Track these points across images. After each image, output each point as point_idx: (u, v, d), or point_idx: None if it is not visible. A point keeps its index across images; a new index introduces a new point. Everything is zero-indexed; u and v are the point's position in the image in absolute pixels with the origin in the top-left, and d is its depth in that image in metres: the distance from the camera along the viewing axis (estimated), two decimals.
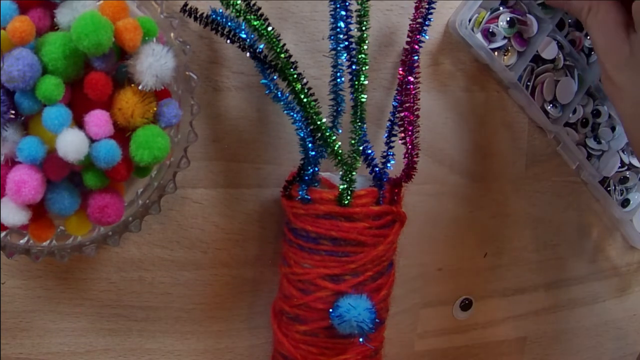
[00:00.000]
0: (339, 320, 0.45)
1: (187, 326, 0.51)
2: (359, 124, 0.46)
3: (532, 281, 0.62)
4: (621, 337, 0.68)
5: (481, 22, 0.52)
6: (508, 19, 0.52)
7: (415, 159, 0.48)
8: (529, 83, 0.55)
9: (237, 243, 0.51)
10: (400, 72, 0.48)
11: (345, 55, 0.45)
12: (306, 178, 0.46)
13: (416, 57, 0.48)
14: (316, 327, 0.47)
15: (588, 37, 0.57)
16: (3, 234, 0.41)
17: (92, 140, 0.37)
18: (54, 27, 0.37)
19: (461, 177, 0.56)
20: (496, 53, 0.53)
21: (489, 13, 0.53)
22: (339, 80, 0.46)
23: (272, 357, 0.51)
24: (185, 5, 0.42)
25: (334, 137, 0.45)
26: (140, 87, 0.38)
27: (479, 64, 0.55)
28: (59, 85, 0.36)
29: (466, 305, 0.60)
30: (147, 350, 0.51)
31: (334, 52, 0.45)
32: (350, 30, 0.45)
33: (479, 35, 0.52)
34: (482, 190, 0.57)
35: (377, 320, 0.45)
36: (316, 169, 0.46)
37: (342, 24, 0.45)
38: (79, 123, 0.37)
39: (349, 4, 0.45)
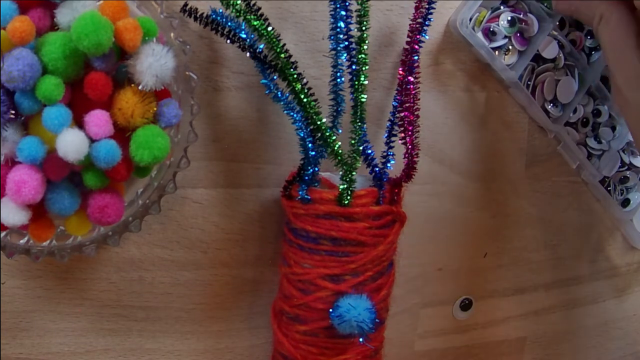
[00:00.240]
0: (339, 320, 0.45)
1: (187, 326, 0.51)
2: (359, 124, 0.46)
3: (532, 281, 0.62)
4: (621, 337, 0.68)
5: (482, 21, 0.52)
6: (509, 18, 0.52)
7: (415, 159, 0.48)
8: (529, 82, 0.55)
9: (237, 243, 0.51)
10: (400, 72, 0.48)
11: (345, 55, 0.45)
12: (306, 178, 0.46)
13: (416, 57, 0.48)
14: (316, 327, 0.47)
15: (589, 37, 0.57)
16: (3, 234, 0.41)
17: (92, 140, 0.37)
18: (54, 27, 0.37)
19: (461, 177, 0.56)
20: (497, 52, 0.53)
21: (489, 12, 0.53)
22: (339, 80, 0.46)
23: (272, 357, 0.51)
24: (185, 5, 0.42)
25: (334, 137, 0.45)
26: (140, 87, 0.38)
27: (479, 63, 0.55)
28: (59, 85, 0.36)
29: (466, 305, 0.60)
30: (147, 350, 0.51)
31: (334, 52, 0.45)
32: (350, 30, 0.45)
33: (479, 35, 0.52)
34: (482, 190, 0.57)
35: (377, 320, 0.45)
36: (316, 169, 0.46)
37: (342, 24, 0.45)
38: (79, 123, 0.37)
39: (349, 4, 0.45)
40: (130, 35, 0.36)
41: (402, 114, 0.47)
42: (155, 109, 0.39)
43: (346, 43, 0.45)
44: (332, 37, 0.45)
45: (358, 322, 0.44)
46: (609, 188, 0.61)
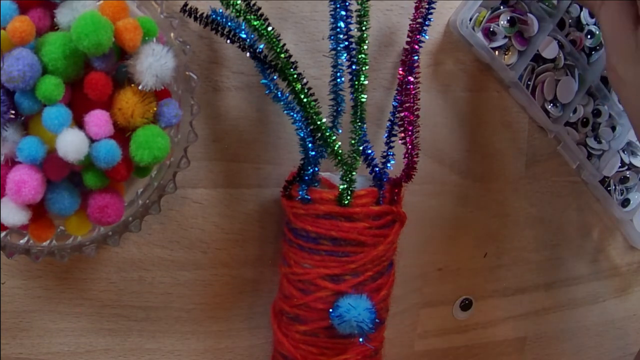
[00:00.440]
0: (339, 320, 0.45)
1: (187, 326, 0.51)
2: (359, 124, 0.46)
3: (532, 281, 0.62)
4: (621, 337, 0.68)
5: (482, 21, 0.52)
6: (509, 18, 0.52)
7: (415, 159, 0.48)
8: (529, 82, 0.55)
9: (237, 243, 0.51)
10: (400, 72, 0.48)
11: (345, 55, 0.45)
12: (306, 178, 0.46)
13: (416, 57, 0.48)
14: (316, 327, 0.47)
15: (589, 37, 0.57)
16: (3, 234, 0.41)
17: (92, 140, 0.37)
18: (54, 27, 0.37)
19: (461, 177, 0.56)
20: (497, 52, 0.53)
21: (489, 12, 0.53)
22: (339, 80, 0.46)
23: (272, 357, 0.51)
24: (185, 5, 0.42)
25: (334, 137, 0.45)
26: (140, 87, 0.38)
27: (479, 63, 0.55)
28: (59, 85, 0.36)
29: (466, 305, 0.60)
30: (147, 350, 0.51)
31: (334, 52, 0.45)
32: (350, 30, 0.45)
33: (479, 35, 0.52)
34: (482, 190, 0.57)
35: (377, 320, 0.45)
36: (316, 169, 0.46)
37: (342, 24, 0.45)
38: (79, 123, 0.37)
39: (349, 4, 0.45)
40: (130, 35, 0.36)
41: (402, 114, 0.47)
42: (155, 109, 0.39)
43: (346, 43, 0.45)
44: (332, 37, 0.45)
45: (358, 322, 0.44)
46: (609, 188, 0.61)
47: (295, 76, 0.44)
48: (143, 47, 0.38)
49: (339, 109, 0.47)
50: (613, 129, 0.60)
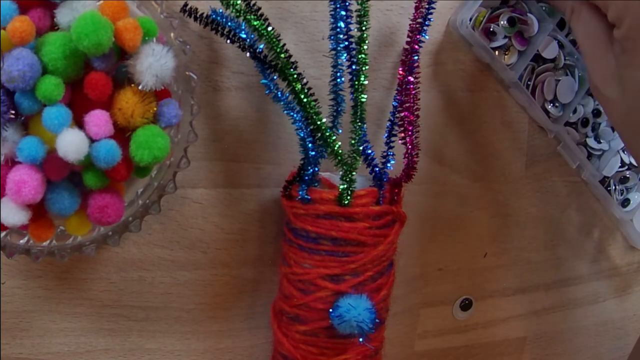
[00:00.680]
0: (339, 320, 0.45)
1: (187, 326, 0.51)
2: (359, 124, 0.46)
3: (532, 281, 0.62)
4: (621, 337, 0.68)
5: (482, 21, 0.52)
6: (508, 18, 0.52)
7: (415, 159, 0.48)
8: (529, 82, 0.55)
9: (237, 243, 0.51)
10: (400, 72, 0.48)
11: (345, 55, 0.45)
12: (306, 178, 0.46)
13: (416, 57, 0.48)
14: (316, 327, 0.47)
15: None
16: (3, 234, 0.41)
17: (92, 140, 0.37)
18: (54, 27, 0.37)
19: (461, 177, 0.56)
20: (497, 52, 0.53)
21: (489, 12, 0.53)
22: (339, 80, 0.46)
23: (272, 357, 0.51)
24: (185, 5, 0.42)
25: (334, 137, 0.45)
26: (140, 87, 0.38)
27: (479, 63, 0.55)
28: (59, 85, 0.36)
29: (466, 305, 0.60)
30: (147, 350, 0.51)
31: (334, 52, 0.45)
32: (350, 30, 0.45)
33: (479, 35, 0.52)
34: (482, 190, 0.57)
35: (377, 320, 0.45)
36: (316, 169, 0.46)
37: (342, 24, 0.45)
38: (79, 123, 0.37)
39: (349, 4, 0.45)
40: (130, 35, 0.36)
41: (402, 114, 0.47)
42: (155, 109, 0.39)
43: (346, 43, 0.45)
44: (332, 37, 0.45)
45: (358, 322, 0.44)
46: (609, 188, 0.61)
47: (295, 76, 0.44)
48: (143, 47, 0.38)
49: (339, 109, 0.47)
50: (613, 128, 0.59)
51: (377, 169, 0.48)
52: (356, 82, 0.46)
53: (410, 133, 0.47)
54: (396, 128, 0.48)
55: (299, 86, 0.44)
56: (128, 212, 0.43)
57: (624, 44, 0.43)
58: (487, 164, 0.57)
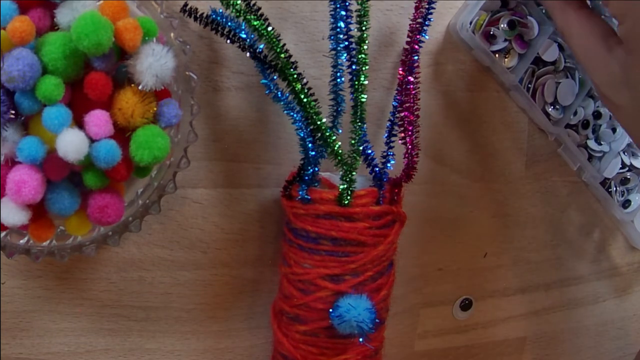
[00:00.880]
0: (339, 320, 0.45)
1: (187, 326, 0.51)
2: (359, 124, 0.46)
3: (532, 281, 0.62)
4: (621, 337, 0.68)
5: (482, 24, 0.52)
6: (508, 21, 0.52)
7: (415, 159, 0.48)
8: (530, 85, 0.55)
9: (237, 243, 0.51)
10: (400, 72, 0.48)
11: (345, 55, 0.45)
12: (306, 178, 0.46)
13: (416, 57, 0.48)
14: (316, 327, 0.47)
15: None
16: (3, 234, 0.41)
17: (92, 140, 0.37)
18: (54, 27, 0.37)
19: (461, 177, 0.56)
20: (497, 55, 0.53)
21: (489, 15, 0.52)
22: (339, 80, 0.46)
23: (272, 357, 0.51)
24: (185, 5, 0.42)
25: (334, 137, 0.45)
26: (140, 87, 0.38)
27: (479, 63, 0.55)
28: (59, 85, 0.36)
29: (466, 305, 0.60)
30: (147, 350, 0.51)
31: (334, 52, 0.45)
32: (350, 30, 0.45)
33: (479, 38, 0.52)
34: (482, 190, 0.57)
35: (377, 320, 0.45)
36: (316, 169, 0.46)
37: (342, 24, 0.45)
38: (79, 123, 0.37)
39: (349, 4, 0.45)
40: (130, 35, 0.36)
41: (402, 114, 0.47)
42: (155, 109, 0.39)
43: (346, 43, 0.45)
44: (332, 37, 0.45)
45: (358, 322, 0.44)
46: (609, 189, 0.61)
47: (295, 76, 0.44)
48: (143, 47, 0.38)
49: (339, 109, 0.47)
50: (614, 130, 0.59)
51: (377, 169, 0.48)
52: (356, 82, 0.46)
53: (410, 133, 0.47)
54: (396, 128, 0.48)
55: (299, 86, 0.44)
56: (128, 212, 0.43)
57: (628, 43, 0.42)
58: (487, 164, 0.57)
